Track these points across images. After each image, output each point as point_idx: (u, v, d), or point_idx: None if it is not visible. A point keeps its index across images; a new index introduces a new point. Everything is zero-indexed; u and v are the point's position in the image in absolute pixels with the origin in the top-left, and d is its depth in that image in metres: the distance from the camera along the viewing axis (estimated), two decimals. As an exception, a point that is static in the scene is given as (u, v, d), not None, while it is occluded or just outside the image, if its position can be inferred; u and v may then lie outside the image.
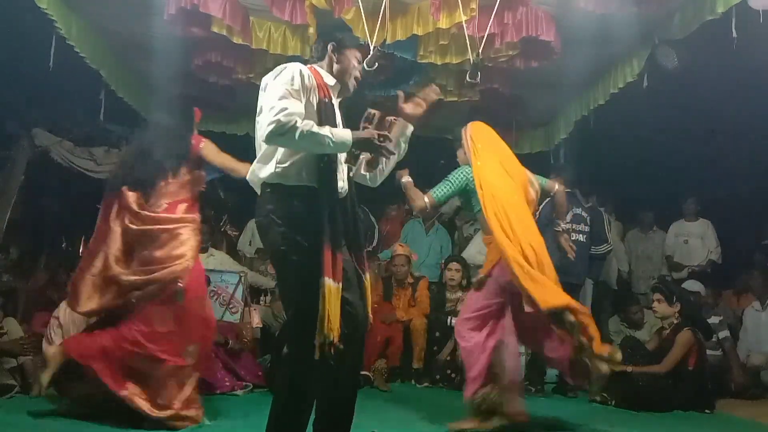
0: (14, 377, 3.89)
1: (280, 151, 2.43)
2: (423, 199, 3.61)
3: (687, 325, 4.55)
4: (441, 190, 3.64)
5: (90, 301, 3.35)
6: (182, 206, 3.47)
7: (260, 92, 2.50)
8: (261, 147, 2.50)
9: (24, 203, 6.01)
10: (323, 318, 2.27)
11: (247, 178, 2.59)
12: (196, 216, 3.52)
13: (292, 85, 2.40)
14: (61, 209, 6.92)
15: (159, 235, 3.37)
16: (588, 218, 5.32)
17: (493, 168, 3.59)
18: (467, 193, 3.64)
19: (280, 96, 2.36)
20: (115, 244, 3.38)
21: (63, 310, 4.35)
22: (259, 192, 2.53)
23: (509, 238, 3.38)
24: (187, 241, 3.38)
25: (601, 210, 5.80)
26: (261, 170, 2.48)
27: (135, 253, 3.40)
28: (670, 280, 6.32)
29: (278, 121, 2.29)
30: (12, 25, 4.48)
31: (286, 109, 2.32)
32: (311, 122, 2.37)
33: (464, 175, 3.63)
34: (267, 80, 2.48)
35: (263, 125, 2.35)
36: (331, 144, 2.36)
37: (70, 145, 6.08)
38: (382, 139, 2.43)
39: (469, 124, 3.77)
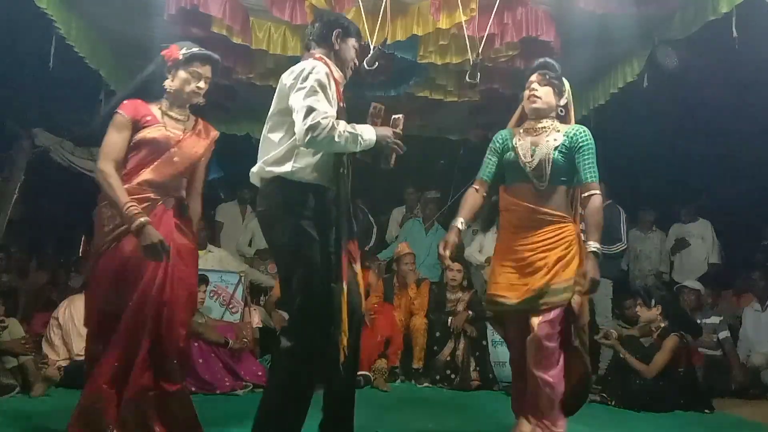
0: (15, 377, 3.89)
1: (298, 154, 2.43)
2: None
3: (674, 327, 4.56)
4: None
5: None
6: None
7: (282, 92, 2.47)
8: (266, 145, 2.49)
9: (24, 203, 6.00)
10: (342, 323, 2.28)
11: (251, 177, 2.57)
12: None
13: (323, 87, 2.39)
14: (61, 209, 6.92)
15: None
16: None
17: None
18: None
19: (317, 99, 2.35)
20: None
21: (63, 310, 4.36)
22: (260, 185, 2.52)
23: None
24: None
25: (619, 208, 5.76)
26: (272, 168, 2.46)
27: None
28: (668, 280, 6.34)
29: (319, 124, 2.29)
30: (12, 25, 4.47)
31: (326, 112, 2.32)
32: (344, 122, 2.38)
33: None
34: (291, 80, 2.43)
35: (301, 129, 2.31)
36: (362, 142, 2.40)
37: (70, 145, 6.07)
38: (397, 136, 2.50)
39: None
